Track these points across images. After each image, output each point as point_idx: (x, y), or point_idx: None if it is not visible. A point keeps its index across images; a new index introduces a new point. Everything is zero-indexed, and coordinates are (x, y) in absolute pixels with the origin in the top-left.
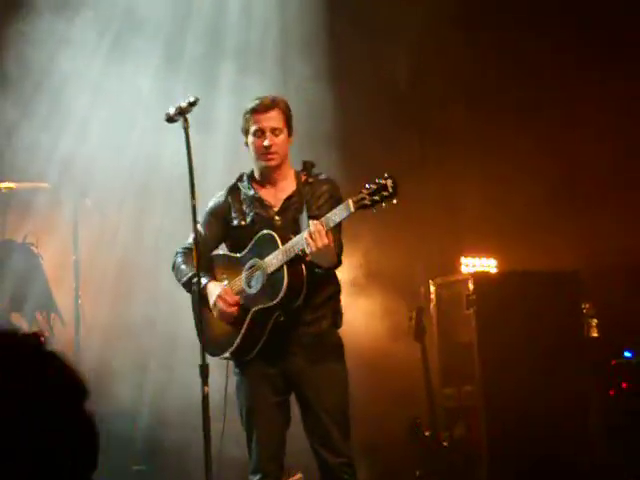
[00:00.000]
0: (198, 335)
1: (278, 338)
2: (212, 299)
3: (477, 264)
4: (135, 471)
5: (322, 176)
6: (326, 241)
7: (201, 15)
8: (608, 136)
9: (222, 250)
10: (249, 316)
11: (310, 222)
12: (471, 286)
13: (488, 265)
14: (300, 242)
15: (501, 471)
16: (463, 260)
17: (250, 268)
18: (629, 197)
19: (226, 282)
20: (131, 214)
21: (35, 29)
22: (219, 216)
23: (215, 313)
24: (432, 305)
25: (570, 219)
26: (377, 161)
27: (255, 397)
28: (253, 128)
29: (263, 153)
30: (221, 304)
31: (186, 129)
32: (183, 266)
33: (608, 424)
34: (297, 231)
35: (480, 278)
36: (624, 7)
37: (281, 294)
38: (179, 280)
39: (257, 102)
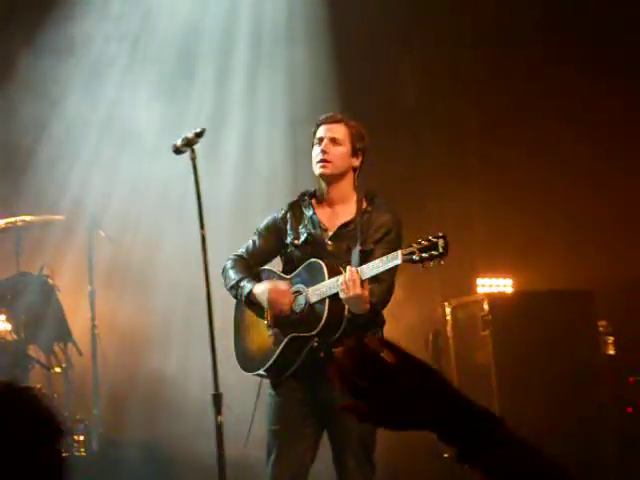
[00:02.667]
0: (236, 349)
1: (312, 365)
2: (265, 295)
3: (492, 284)
4: None
5: (384, 208)
6: (359, 291)
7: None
8: (622, 155)
9: (269, 266)
10: (286, 339)
11: (348, 269)
12: (486, 307)
13: (504, 285)
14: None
15: None
16: (479, 281)
17: (294, 293)
18: None
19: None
20: (144, 244)
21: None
22: (274, 231)
23: (268, 306)
24: (448, 327)
25: (585, 237)
26: (393, 185)
27: (284, 418)
28: (315, 138)
29: (318, 160)
30: (274, 295)
31: (193, 160)
32: (231, 271)
33: (625, 442)
34: (347, 261)
35: (495, 299)
36: None
37: (319, 327)
38: (226, 285)
39: (327, 114)
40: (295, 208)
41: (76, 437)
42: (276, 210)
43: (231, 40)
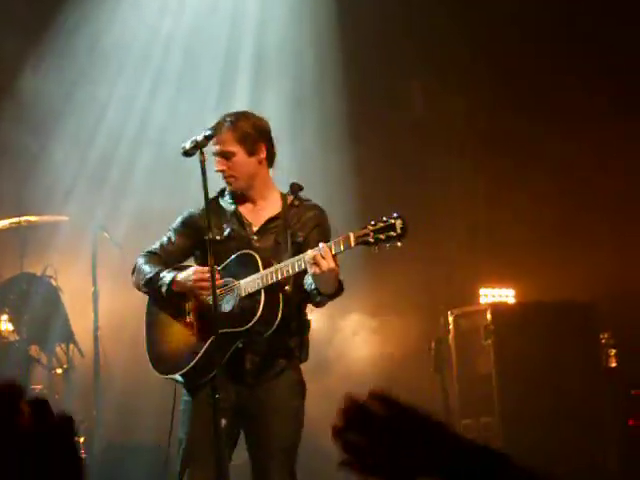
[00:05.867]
0: (149, 350)
1: (235, 367)
2: (189, 278)
3: (495, 294)
4: None
5: (310, 202)
6: (332, 265)
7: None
8: (621, 165)
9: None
10: (212, 337)
11: (321, 245)
12: (489, 317)
13: (506, 295)
14: (284, 267)
15: None
16: (482, 291)
17: (222, 287)
18: None
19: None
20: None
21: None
22: (193, 226)
23: (191, 290)
24: (451, 336)
25: (588, 248)
26: (397, 192)
27: (200, 426)
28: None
29: (222, 178)
30: (199, 275)
31: (202, 162)
32: (146, 266)
33: (627, 454)
34: (275, 255)
35: (498, 309)
36: None
37: (254, 320)
38: (140, 281)
39: (211, 125)
40: (213, 204)
41: (77, 439)
42: (191, 206)
43: (235, 52)
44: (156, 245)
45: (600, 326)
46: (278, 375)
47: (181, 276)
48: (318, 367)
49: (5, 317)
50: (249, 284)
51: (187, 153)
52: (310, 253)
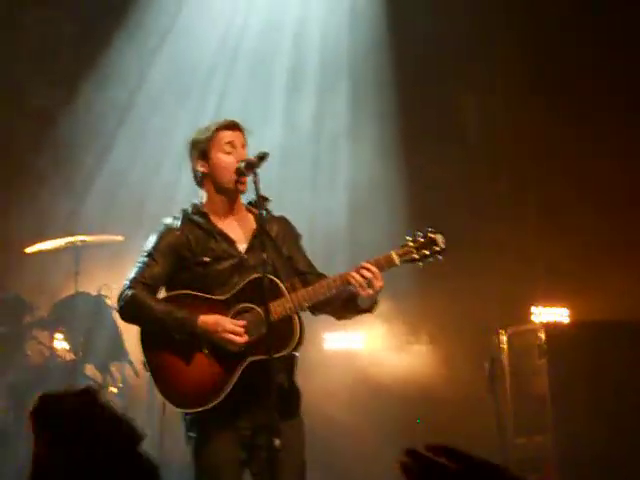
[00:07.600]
0: (162, 386)
1: (249, 387)
2: (214, 333)
3: (548, 313)
4: None
5: (275, 213)
6: (382, 284)
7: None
8: None
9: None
10: (243, 365)
11: (366, 265)
12: (543, 336)
13: (559, 314)
14: (321, 290)
15: None
16: (534, 309)
17: (240, 313)
18: None
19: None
20: None
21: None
22: (174, 249)
23: (223, 343)
24: (504, 355)
25: None
26: (448, 209)
27: (222, 454)
28: (223, 142)
29: (237, 175)
30: (230, 330)
31: (256, 183)
32: (151, 301)
33: None
34: (272, 273)
35: (552, 328)
36: None
37: (293, 346)
38: (145, 316)
39: (226, 120)
40: (190, 222)
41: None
42: (163, 225)
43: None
44: (137, 272)
45: None
46: (288, 393)
47: (205, 320)
48: (370, 384)
49: (61, 336)
50: (277, 309)
51: (241, 173)
52: (358, 276)
